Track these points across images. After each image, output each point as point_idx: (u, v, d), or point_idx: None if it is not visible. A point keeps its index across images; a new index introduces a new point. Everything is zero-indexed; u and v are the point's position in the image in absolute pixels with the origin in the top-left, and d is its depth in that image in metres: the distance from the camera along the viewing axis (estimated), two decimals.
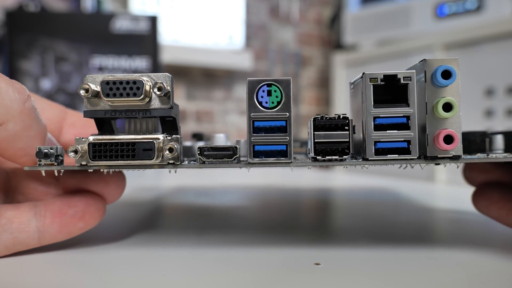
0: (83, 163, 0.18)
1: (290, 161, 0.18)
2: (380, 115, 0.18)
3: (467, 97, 1.08)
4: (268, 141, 0.18)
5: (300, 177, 0.59)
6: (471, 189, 0.24)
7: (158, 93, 0.18)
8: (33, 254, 0.20)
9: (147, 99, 0.18)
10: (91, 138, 0.18)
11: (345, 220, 0.28)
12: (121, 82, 0.18)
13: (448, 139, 0.18)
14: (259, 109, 0.18)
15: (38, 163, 0.18)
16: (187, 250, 0.21)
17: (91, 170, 0.19)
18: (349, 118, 0.18)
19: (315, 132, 0.18)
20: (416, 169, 0.21)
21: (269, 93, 0.18)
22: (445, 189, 0.47)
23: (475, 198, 0.23)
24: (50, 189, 0.22)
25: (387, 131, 0.18)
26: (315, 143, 0.18)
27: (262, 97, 0.18)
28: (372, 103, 0.18)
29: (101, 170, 0.19)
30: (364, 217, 0.28)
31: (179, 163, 0.18)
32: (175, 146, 0.18)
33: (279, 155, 0.18)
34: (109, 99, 0.18)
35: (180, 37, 1.44)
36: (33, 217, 0.20)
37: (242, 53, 1.52)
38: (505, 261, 0.20)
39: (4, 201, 0.22)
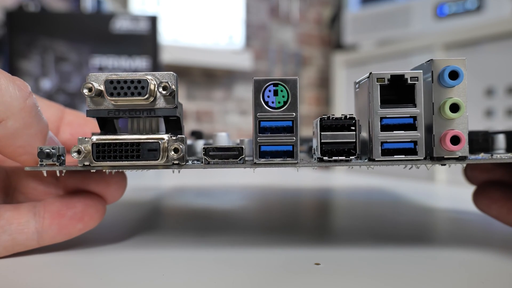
0: (86, 163, 0.18)
1: (296, 161, 0.18)
2: (387, 116, 0.18)
3: (467, 97, 1.08)
4: (275, 142, 0.18)
5: (301, 176, 0.59)
6: (471, 189, 0.24)
7: (163, 92, 0.17)
8: (32, 255, 0.20)
9: (151, 99, 0.18)
10: (94, 138, 0.18)
11: (345, 220, 0.28)
12: (125, 81, 0.18)
13: (455, 140, 0.18)
14: (265, 109, 0.18)
15: (40, 163, 0.18)
16: (187, 250, 0.21)
17: (94, 170, 0.19)
18: (356, 119, 0.18)
19: (322, 133, 0.18)
20: (418, 168, 0.21)
21: (276, 93, 0.18)
22: (445, 189, 0.47)
23: (476, 196, 0.23)
24: (50, 189, 0.22)
25: (394, 132, 0.18)
26: (321, 143, 0.18)
27: (268, 96, 0.18)
28: (379, 103, 0.18)
29: (104, 170, 0.19)
30: (364, 217, 0.28)
31: (184, 163, 0.18)
32: (181, 146, 0.18)
33: (285, 155, 0.18)
34: (113, 98, 0.18)
35: (180, 37, 1.44)
36: (32, 218, 0.20)
37: (242, 53, 1.52)
38: (505, 261, 0.20)
39: (4, 200, 0.22)
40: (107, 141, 0.18)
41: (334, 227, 0.27)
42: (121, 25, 0.75)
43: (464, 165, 0.25)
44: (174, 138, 0.18)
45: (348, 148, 0.18)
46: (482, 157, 0.20)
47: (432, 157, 0.18)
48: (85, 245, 0.22)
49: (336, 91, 1.54)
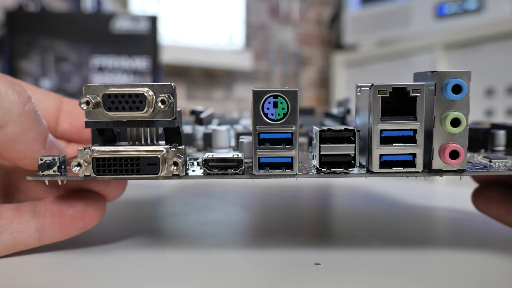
0: (87, 174, 0.18)
1: (295, 173, 0.18)
2: (387, 128, 0.18)
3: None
4: (274, 154, 0.18)
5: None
6: (470, 189, 0.24)
7: (161, 106, 0.17)
8: (33, 254, 0.20)
9: (150, 112, 0.18)
10: (94, 150, 0.18)
11: (344, 220, 0.28)
12: (123, 95, 0.17)
13: (454, 155, 0.18)
14: (264, 121, 0.18)
15: (41, 173, 0.18)
16: (187, 250, 0.21)
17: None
18: (356, 130, 0.18)
19: (321, 145, 0.18)
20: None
21: (275, 105, 0.17)
22: (445, 189, 0.47)
23: (475, 197, 0.23)
24: (51, 187, 0.22)
25: (393, 144, 0.18)
26: (320, 155, 0.18)
27: (268, 108, 0.17)
28: (380, 116, 0.18)
29: None
30: (364, 217, 0.28)
31: (183, 174, 0.18)
32: (180, 160, 0.18)
33: (285, 166, 0.18)
34: (111, 112, 0.17)
35: (180, 37, 1.44)
36: (33, 217, 0.20)
37: (242, 53, 1.52)
38: (505, 261, 0.20)
39: (4, 199, 0.22)
40: (107, 156, 0.18)
41: (334, 227, 0.27)
42: (121, 25, 0.75)
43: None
44: (174, 149, 0.18)
45: (347, 160, 0.18)
46: (480, 164, 0.20)
47: (430, 170, 0.18)
48: (86, 244, 0.22)
49: (336, 91, 1.54)
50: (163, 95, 0.17)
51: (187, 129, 0.28)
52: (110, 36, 0.75)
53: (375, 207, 0.30)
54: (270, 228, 0.26)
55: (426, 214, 0.29)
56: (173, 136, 0.19)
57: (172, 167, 0.18)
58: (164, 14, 1.37)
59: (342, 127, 0.18)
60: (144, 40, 0.76)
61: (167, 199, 0.32)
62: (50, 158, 0.18)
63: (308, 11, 1.75)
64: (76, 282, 0.18)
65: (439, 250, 0.21)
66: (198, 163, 0.21)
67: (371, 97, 0.18)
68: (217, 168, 0.18)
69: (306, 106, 0.36)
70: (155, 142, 0.20)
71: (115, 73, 0.76)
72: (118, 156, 0.18)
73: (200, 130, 0.27)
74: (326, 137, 0.18)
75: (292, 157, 0.18)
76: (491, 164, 0.20)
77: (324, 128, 0.18)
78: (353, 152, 0.18)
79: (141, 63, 0.76)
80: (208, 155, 0.19)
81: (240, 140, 0.21)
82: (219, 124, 0.36)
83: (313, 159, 0.19)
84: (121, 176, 0.18)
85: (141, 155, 0.18)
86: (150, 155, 0.18)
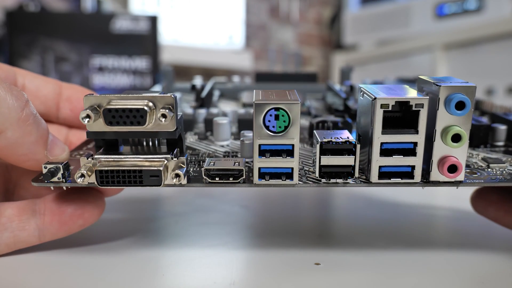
0: (91, 181, 0.18)
1: (295, 183, 0.18)
2: (388, 141, 0.18)
3: None
4: (274, 165, 0.18)
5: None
6: (470, 189, 0.24)
7: (162, 120, 0.17)
8: (33, 252, 0.20)
9: (151, 124, 0.17)
10: (97, 160, 0.18)
11: (345, 220, 0.28)
12: (123, 110, 0.17)
13: (453, 169, 0.18)
14: (265, 133, 0.17)
15: (46, 181, 0.18)
16: (187, 250, 0.21)
17: None
18: (356, 143, 0.18)
19: (322, 156, 0.18)
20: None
21: (277, 117, 0.17)
22: (444, 189, 0.47)
23: (474, 200, 0.24)
24: None
25: (393, 156, 0.18)
26: (320, 166, 0.18)
27: (269, 121, 0.17)
28: (381, 129, 0.18)
29: None
30: (364, 217, 0.28)
31: (185, 183, 0.18)
32: (181, 172, 0.18)
33: (285, 176, 0.18)
34: (112, 127, 0.17)
35: (180, 37, 1.44)
36: (33, 215, 0.20)
37: (242, 53, 1.52)
38: (505, 261, 0.20)
39: (4, 194, 0.22)
40: (110, 168, 0.18)
41: (334, 227, 0.27)
42: (121, 25, 0.75)
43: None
44: (176, 159, 0.18)
45: (347, 171, 0.18)
46: (477, 168, 0.20)
47: (428, 181, 0.18)
48: (86, 244, 0.22)
49: None
50: (164, 110, 0.17)
51: (188, 111, 0.28)
52: (110, 36, 0.75)
53: (375, 207, 0.30)
54: (270, 228, 0.26)
55: (426, 214, 0.29)
56: (176, 142, 0.19)
57: (174, 179, 0.18)
58: (164, 14, 1.37)
59: (343, 139, 0.18)
60: (144, 40, 0.76)
61: (167, 199, 0.32)
62: (53, 166, 0.18)
63: (308, 11, 1.75)
64: (76, 281, 0.18)
65: (439, 250, 0.21)
66: (199, 163, 0.21)
67: (373, 109, 0.17)
68: (218, 176, 0.18)
69: (309, 71, 0.36)
70: (157, 146, 0.20)
71: (115, 73, 0.76)
72: (121, 168, 0.18)
73: (201, 113, 0.27)
74: (327, 149, 0.18)
75: (292, 168, 0.18)
76: (489, 170, 0.20)
77: (325, 140, 0.18)
78: (353, 164, 0.18)
79: (141, 63, 0.76)
80: (209, 162, 0.19)
81: (241, 139, 0.21)
82: (221, 95, 0.36)
83: (313, 163, 0.19)
84: (124, 186, 0.18)
85: (143, 168, 0.18)
86: (153, 168, 0.18)
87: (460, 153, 0.18)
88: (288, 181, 0.18)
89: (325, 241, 0.23)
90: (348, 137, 0.18)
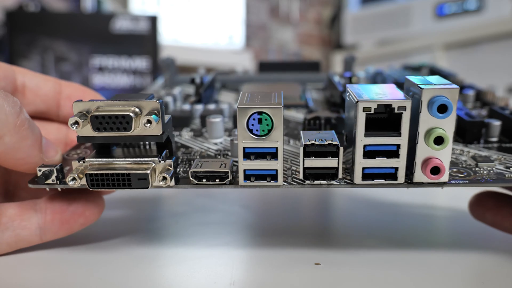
0: (83, 183, 0.19)
1: (279, 184, 0.19)
2: (371, 143, 0.18)
3: None
4: (259, 167, 0.18)
5: None
6: (470, 189, 0.24)
7: (147, 126, 0.18)
8: (35, 251, 0.20)
9: (137, 129, 0.18)
10: (88, 163, 0.19)
11: (345, 220, 0.28)
12: (110, 117, 0.18)
13: (436, 171, 0.18)
14: (249, 136, 0.18)
15: (42, 184, 0.19)
16: (187, 250, 0.21)
17: None
18: (339, 145, 0.18)
19: (305, 158, 0.18)
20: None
21: (260, 121, 0.17)
22: (445, 189, 0.47)
23: (471, 206, 0.24)
24: None
25: (376, 158, 0.18)
26: (304, 168, 0.18)
27: (252, 124, 0.18)
28: (364, 132, 0.18)
29: None
30: (364, 218, 0.28)
31: (173, 184, 0.19)
32: (168, 176, 0.18)
33: (270, 177, 0.18)
34: (100, 133, 0.18)
35: (180, 37, 1.44)
36: (34, 215, 0.20)
37: (242, 53, 1.52)
38: (505, 261, 0.20)
39: (4, 195, 0.22)
40: (99, 172, 0.18)
41: (334, 227, 0.27)
42: (121, 25, 0.75)
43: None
44: (163, 162, 0.19)
45: (331, 173, 0.18)
46: (465, 167, 0.20)
47: (412, 182, 0.18)
48: (86, 244, 0.22)
49: None
50: (149, 116, 0.18)
51: (185, 107, 0.28)
52: (110, 36, 0.75)
53: (375, 207, 0.30)
54: (270, 228, 0.26)
55: (426, 214, 0.29)
56: (165, 144, 0.20)
57: (161, 182, 0.18)
58: (164, 14, 1.37)
59: (327, 142, 0.18)
60: (144, 40, 0.76)
61: (167, 199, 0.32)
62: (48, 169, 0.19)
63: (308, 11, 1.75)
64: (76, 280, 0.18)
65: (439, 250, 0.21)
66: (190, 162, 0.21)
67: (356, 112, 0.18)
68: (205, 178, 0.19)
69: (312, 59, 0.36)
70: (147, 148, 0.20)
71: (115, 73, 0.76)
72: (110, 172, 0.18)
73: (198, 109, 0.28)
74: (310, 151, 0.18)
75: (276, 170, 0.18)
76: (476, 169, 0.20)
77: (308, 142, 0.18)
78: (336, 166, 0.18)
79: (141, 63, 0.76)
80: (197, 164, 0.19)
81: (231, 138, 0.22)
82: (223, 86, 0.36)
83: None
84: (113, 188, 0.19)
85: (131, 172, 0.18)
86: (140, 172, 0.18)
87: (443, 154, 0.18)
88: (273, 183, 0.19)
89: (325, 241, 0.23)
90: (332, 139, 0.18)
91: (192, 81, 0.30)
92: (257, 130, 0.18)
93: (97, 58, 0.75)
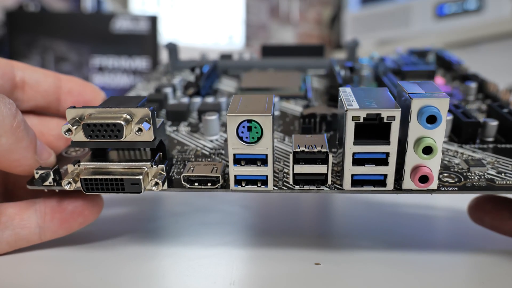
0: (78, 186, 0.19)
1: (270, 189, 0.19)
2: (360, 151, 0.18)
3: None
4: (249, 172, 0.18)
5: None
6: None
7: (138, 134, 0.18)
8: (35, 251, 0.20)
9: (128, 136, 0.18)
10: (83, 167, 0.19)
11: (345, 220, 0.28)
12: (101, 125, 0.18)
13: (424, 179, 0.18)
14: (239, 143, 0.18)
15: (39, 186, 0.19)
16: (187, 250, 0.21)
17: None
18: (328, 153, 0.18)
19: (295, 165, 0.18)
20: None
21: (249, 129, 0.18)
22: None
23: (470, 210, 0.24)
24: None
25: (365, 166, 0.18)
26: (294, 174, 0.18)
27: (242, 132, 0.18)
28: (353, 140, 0.18)
29: None
30: (363, 218, 0.28)
31: (166, 188, 0.19)
32: (160, 181, 0.19)
33: (260, 182, 0.19)
34: (92, 140, 0.18)
35: (180, 37, 1.44)
36: (34, 214, 0.20)
37: (242, 53, 1.52)
38: (505, 261, 0.20)
39: (3, 194, 0.22)
40: (94, 177, 0.19)
41: (334, 227, 0.27)
42: (121, 25, 0.75)
43: None
44: (156, 167, 0.19)
45: (320, 179, 0.19)
46: (456, 172, 0.20)
47: (401, 188, 0.18)
48: (86, 243, 0.22)
49: None
50: (140, 124, 0.18)
51: (183, 100, 0.28)
52: (110, 36, 0.75)
53: (375, 208, 0.30)
54: (270, 228, 0.26)
55: (425, 215, 0.29)
56: (159, 147, 0.20)
57: (154, 187, 0.19)
58: (164, 14, 1.37)
59: (316, 149, 0.18)
60: (144, 40, 0.76)
61: (167, 199, 0.32)
62: (44, 172, 0.19)
63: (308, 11, 1.75)
64: (76, 280, 0.18)
65: (439, 250, 0.21)
66: (184, 163, 0.21)
67: (345, 121, 0.18)
68: (197, 182, 0.19)
69: (316, 43, 0.36)
70: (142, 151, 0.21)
71: (115, 73, 0.76)
72: (104, 177, 0.19)
73: (196, 102, 0.28)
74: (300, 158, 0.18)
75: (266, 175, 0.18)
76: (468, 174, 0.20)
77: (298, 150, 0.18)
78: (325, 172, 0.18)
79: (141, 63, 0.76)
80: (189, 168, 0.19)
81: (225, 139, 0.22)
82: (225, 72, 0.36)
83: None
84: (107, 192, 0.19)
85: (124, 177, 0.18)
86: (133, 177, 0.18)
87: (432, 163, 0.18)
88: (263, 187, 0.19)
89: (325, 241, 0.23)
90: (322, 146, 0.18)
91: (192, 70, 0.30)
92: (246, 138, 0.18)
93: (97, 58, 0.75)
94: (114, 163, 0.19)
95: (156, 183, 0.19)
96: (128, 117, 0.18)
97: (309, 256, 0.20)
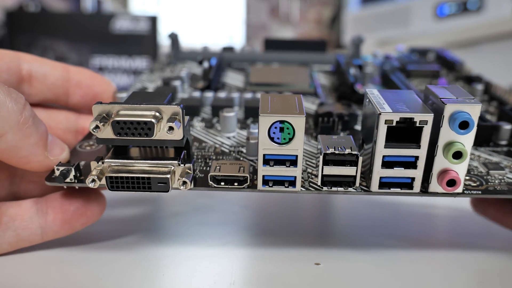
0: (102, 184, 0.18)
1: (297, 190, 0.19)
2: (390, 154, 0.18)
3: None
4: (278, 173, 0.18)
5: None
6: None
7: (169, 133, 0.17)
8: (36, 251, 0.20)
9: (158, 134, 0.18)
10: (107, 165, 0.18)
11: (345, 219, 0.28)
12: (131, 123, 0.18)
13: (451, 183, 0.18)
14: (270, 144, 0.18)
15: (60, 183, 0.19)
16: (187, 250, 0.21)
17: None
18: (358, 155, 0.18)
19: (324, 166, 0.18)
20: None
21: (281, 130, 0.17)
22: None
23: (474, 201, 0.24)
24: None
25: (395, 169, 0.18)
26: (323, 175, 0.18)
27: (274, 133, 0.18)
28: (384, 144, 0.18)
29: None
30: (364, 217, 0.28)
31: (191, 187, 0.19)
32: (188, 180, 0.18)
33: (288, 183, 0.19)
34: (121, 138, 0.18)
35: (180, 37, 1.44)
36: (35, 214, 0.20)
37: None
38: (505, 261, 0.20)
39: (10, 189, 0.22)
40: (120, 175, 0.18)
41: (334, 227, 0.27)
42: (121, 25, 0.75)
43: None
44: (183, 165, 0.18)
45: (348, 181, 0.18)
46: (476, 174, 0.20)
47: (427, 191, 0.19)
48: (86, 243, 0.22)
49: None
50: (171, 122, 0.17)
51: (194, 94, 0.28)
52: (110, 36, 0.75)
53: (375, 207, 0.30)
54: (270, 228, 0.26)
55: (426, 214, 0.29)
56: (184, 147, 0.20)
57: (182, 186, 0.18)
58: (164, 14, 1.37)
59: (346, 151, 0.18)
60: (144, 40, 0.76)
61: (167, 199, 0.32)
62: (65, 168, 0.19)
63: (308, 11, 1.75)
64: (77, 280, 0.18)
65: (439, 250, 0.21)
66: (206, 161, 0.21)
67: (377, 124, 0.17)
68: (223, 181, 0.19)
69: (316, 38, 0.36)
70: (165, 149, 0.20)
71: (115, 73, 0.76)
72: (130, 175, 0.18)
73: (209, 97, 0.27)
74: (330, 159, 0.18)
75: (295, 176, 0.18)
76: (488, 177, 0.20)
77: (328, 151, 0.18)
78: (354, 174, 0.18)
79: (141, 63, 0.76)
80: (215, 167, 0.19)
81: (247, 137, 0.22)
82: (228, 65, 0.36)
83: (316, 167, 0.19)
84: (133, 191, 0.18)
85: (152, 175, 0.18)
86: (160, 176, 0.18)
87: (460, 167, 0.18)
88: (291, 188, 0.19)
89: (325, 241, 0.23)
90: (351, 148, 0.18)
91: (200, 63, 0.30)
92: (278, 138, 0.18)
93: (97, 58, 0.75)
94: (139, 161, 0.18)
95: (184, 182, 0.18)
96: (157, 114, 0.18)
97: (309, 256, 0.20)
